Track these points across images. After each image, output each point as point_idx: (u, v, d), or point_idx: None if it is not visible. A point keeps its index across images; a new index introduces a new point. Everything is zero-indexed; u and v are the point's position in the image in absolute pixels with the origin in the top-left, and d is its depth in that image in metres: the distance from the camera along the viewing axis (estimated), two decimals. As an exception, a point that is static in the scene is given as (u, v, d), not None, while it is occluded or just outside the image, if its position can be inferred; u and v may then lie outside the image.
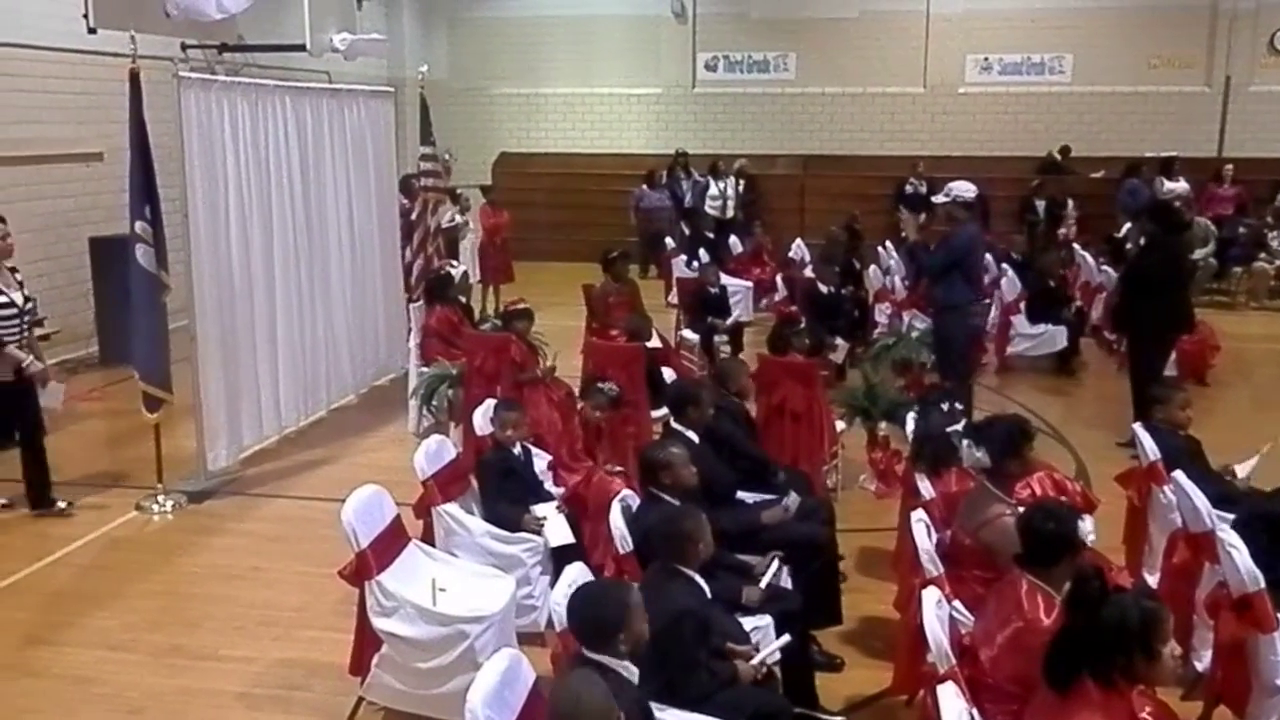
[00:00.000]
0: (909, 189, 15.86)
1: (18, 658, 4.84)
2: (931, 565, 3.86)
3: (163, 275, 6.49)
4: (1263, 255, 13.29)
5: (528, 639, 4.27)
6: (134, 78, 6.30)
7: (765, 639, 4.06)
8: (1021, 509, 3.84)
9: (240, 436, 7.38)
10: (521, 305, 7.78)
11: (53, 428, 7.97)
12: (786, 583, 4.60)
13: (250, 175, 7.45)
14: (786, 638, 3.81)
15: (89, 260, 9.90)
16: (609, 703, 2.63)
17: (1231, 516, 4.36)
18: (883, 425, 6.58)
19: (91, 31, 6.72)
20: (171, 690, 4.56)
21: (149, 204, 6.34)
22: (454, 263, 10.03)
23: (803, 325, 7.42)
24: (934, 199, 8.26)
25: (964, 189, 7.38)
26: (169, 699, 4.50)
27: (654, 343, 8.49)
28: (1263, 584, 3.74)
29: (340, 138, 8.78)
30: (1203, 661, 4.23)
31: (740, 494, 5.23)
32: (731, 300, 10.56)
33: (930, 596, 3.40)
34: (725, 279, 11.21)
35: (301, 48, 8.95)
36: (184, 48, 7.57)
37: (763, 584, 4.23)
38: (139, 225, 6.30)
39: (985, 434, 4.41)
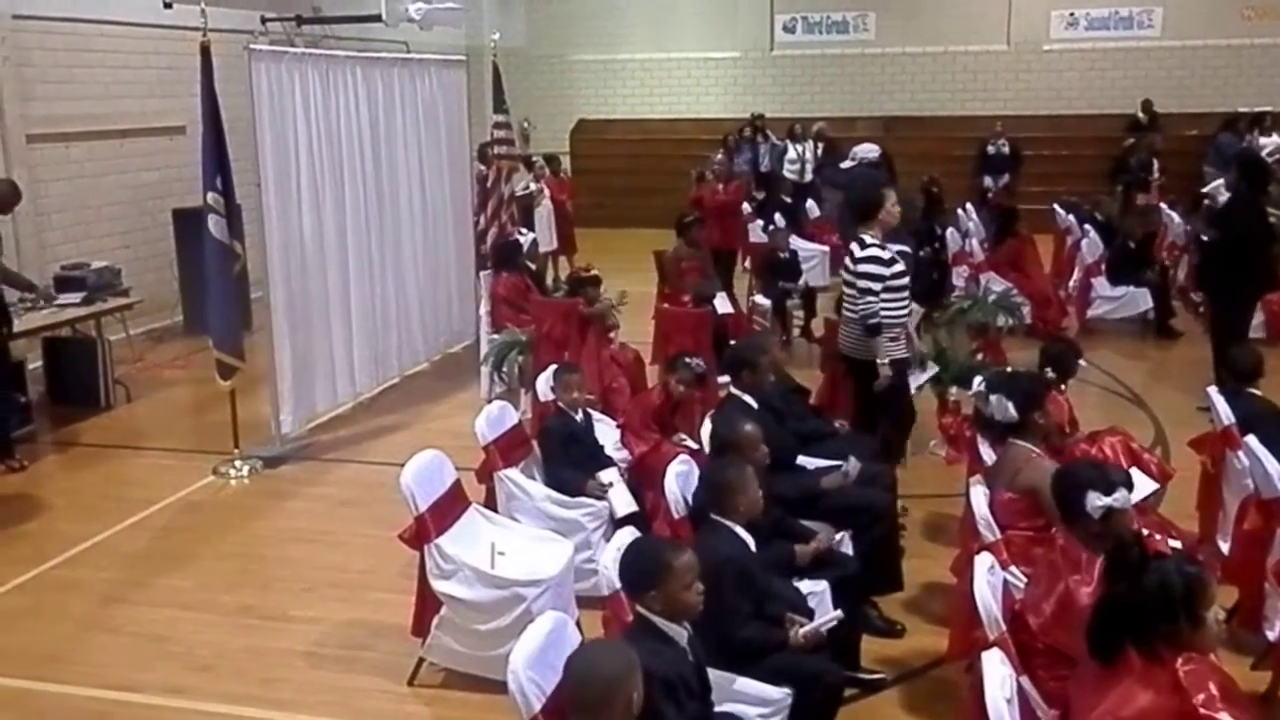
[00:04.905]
0: (990, 150, 15.42)
1: (97, 615, 5.04)
2: (988, 531, 3.77)
3: (235, 245, 6.64)
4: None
5: (588, 603, 4.28)
6: (204, 51, 6.43)
7: (820, 603, 4.02)
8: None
9: (313, 403, 7.55)
10: (591, 272, 7.79)
11: (137, 395, 8.31)
12: (847, 548, 4.55)
13: (321, 146, 7.55)
14: (839, 613, 3.76)
15: (172, 232, 10.18)
16: (623, 672, 2.60)
17: None
18: (953, 390, 6.43)
19: (167, 6, 6.89)
20: (240, 648, 4.70)
21: (220, 175, 6.48)
22: (524, 230, 10.06)
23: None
24: (843, 164, 8.34)
25: (868, 150, 8.13)
26: (237, 657, 4.64)
27: (725, 308, 8.43)
28: None
29: (412, 107, 8.84)
30: (1274, 630, 4.08)
31: (801, 459, 5.16)
32: (806, 265, 10.40)
33: (983, 562, 3.32)
34: (801, 243, 11.06)
35: (378, 18, 9.08)
36: (263, 20, 7.69)
37: (810, 548, 4.19)
38: (211, 196, 6.45)
39: (1012, 386, 4.31)
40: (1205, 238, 8.51)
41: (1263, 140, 13.90)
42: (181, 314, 10.25)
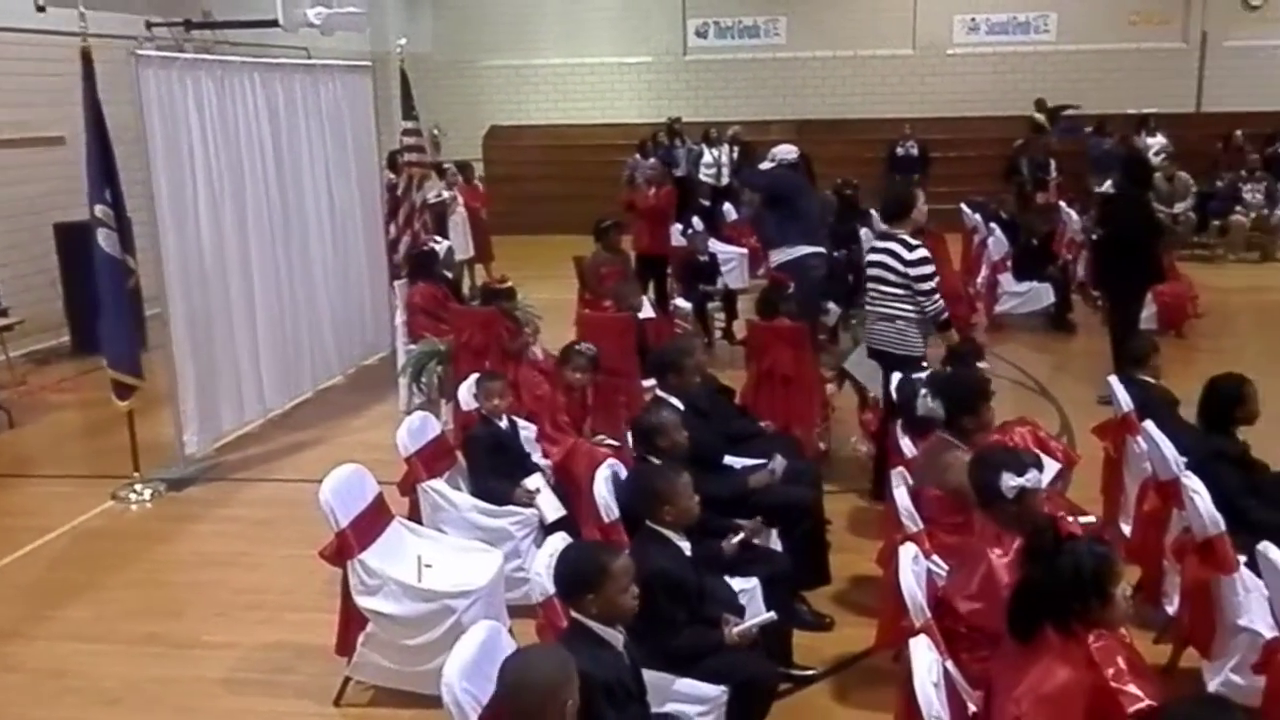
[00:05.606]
0: (900, 151, 15.78)
1: (-10, 653, 4.78)
2: (910, 522, 3.84)
3: (127, 260, 6.39)
4: (1239, 208, 13.28)
5: (519, 612, 4.22)
6: (86, 56, 6.17)
7: (752, 601, 4.05)
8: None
9: (219, 421, 7.31)
10: (505, 284, 7.72)
11: (21, 421, 7.93)
12: (775, 544, 4.57)
13: (219, 155, 7.32)
14: (772, 615, 3.79)
15: (55, 247, 9.72)
16: (560, 677, 2.56)
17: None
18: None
19: (40, 9, 6.57)
20: (150, 679, 4.50)
21: (109, 187, 6.23)
22: (438, 239, 9.92)
23: (791, 290, 7.34)
24: (762, 165, 8.50)
25: (786, 151, 8.10)
26: (147, 687, 4.44)
27: (647, 313, 8.42)
28: (1223, 527, 3.77)
29: (316, 115, 8.64)
30: (1173, 605, 4.26)
31: (728, 459, 5.17)
32: (725, 268, 10.46)
33: (907, 553, 3.37)
34: (720, 246, 11.12)
35: (274, 23, 8.81)
36: (149, 25, 7.40)
37: (734, 540, 4.23)
38: (99, 209, 6.19)
39: (944, 387, 4.38)
40: (1095, 236, 8.86)
41: (1149, 140, 14.50)
42: (69, 334, 9.77)
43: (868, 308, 5.90)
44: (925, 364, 5.49)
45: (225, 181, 7.39)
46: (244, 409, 7.61)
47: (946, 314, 5.66)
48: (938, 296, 5.58)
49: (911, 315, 5.60)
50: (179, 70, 6.97)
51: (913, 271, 5.54)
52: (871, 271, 5.79)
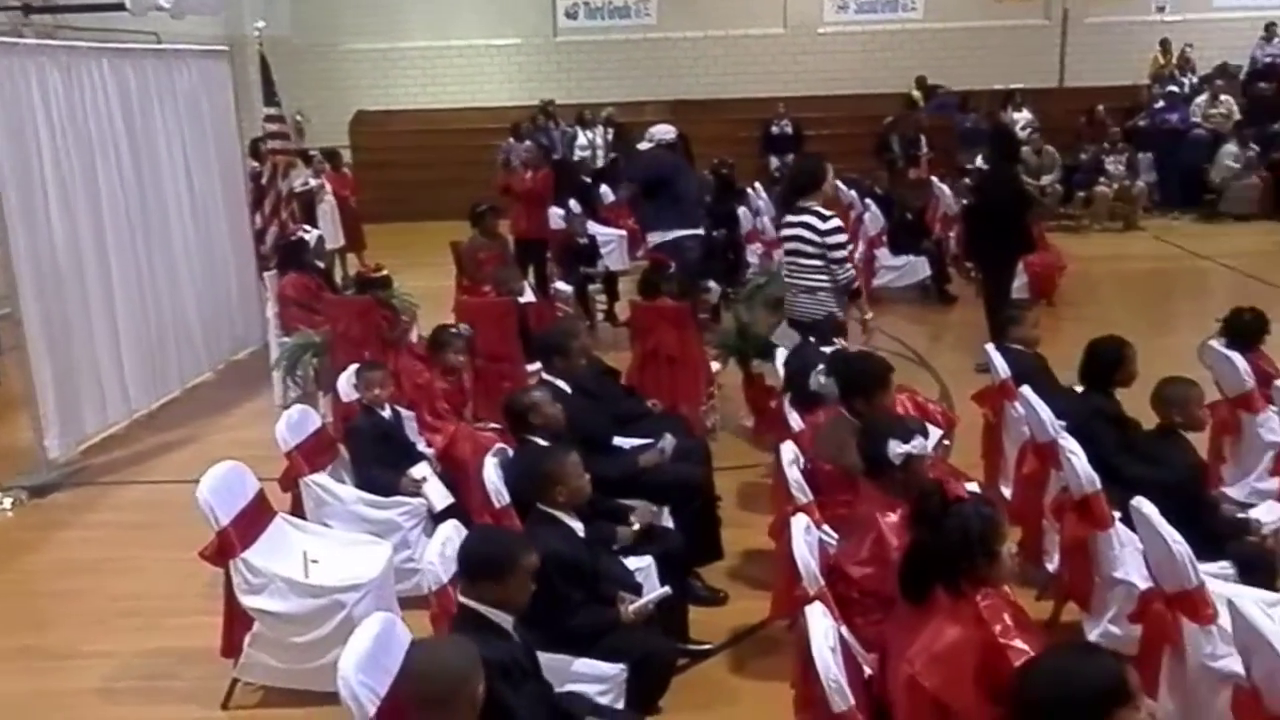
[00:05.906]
0: (774, 130, 16.02)
1: None
2: (800, 494, 3.91)
3: (-29, 258, 6.03)
4: (1102, 180, 13.91)
5: (411, 603, 4.14)
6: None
7: (646, 578, 4.08)
8: None
9: (82, 424, 6.93)
10: (379, 273, 7.55)
11: None
12: (668, 523, 4.60)
13: (69, 146, 6.92)
14: (667, 590, 3.83)
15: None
16: (469, 666, 2.55)
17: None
18: (756, 363, 6.62)
19: None
20: (22, 694, 4.28)
21: (-50, 182, 5.85)
22: (307, 228, 9.63)
23: (672, 270, 7.39)
24: (640, 146, 8.60)
25: (664, 131, 8.17)
26: (19, 703, 4.23)
27: (527, 297, 8.36)
28: (1099, 485, 3.93)
29: (171, 102, 8.23)
30: (1053, 563, 4.43)
31: (617, 440, 5.18)
32: (605, 250, 10.44)
33: (799, 523, 3.44)
34: (598, 228, 11.10)
35: (120, 7, 8.38)
36: (-19, 10, 6.97)
37: (634, 526, 4.25)
38: (-61, 206, 5.82)
39: (840, 367, 4.48)
40: (966, 201, 9.15)
41: (1015, 115, 15.06)
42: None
43: (787, 279, 6.02)
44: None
45: (77, 173, 7.00)
46: (107, 410, 7.24)
47: (858, 283, 5.85)
48: (849, 266, 5.76)
49: (829, 285, 5.75)
50: (20, 57, 6.56)
51: (829, 241, 5.70)
52: (788, 245, 5.92)
